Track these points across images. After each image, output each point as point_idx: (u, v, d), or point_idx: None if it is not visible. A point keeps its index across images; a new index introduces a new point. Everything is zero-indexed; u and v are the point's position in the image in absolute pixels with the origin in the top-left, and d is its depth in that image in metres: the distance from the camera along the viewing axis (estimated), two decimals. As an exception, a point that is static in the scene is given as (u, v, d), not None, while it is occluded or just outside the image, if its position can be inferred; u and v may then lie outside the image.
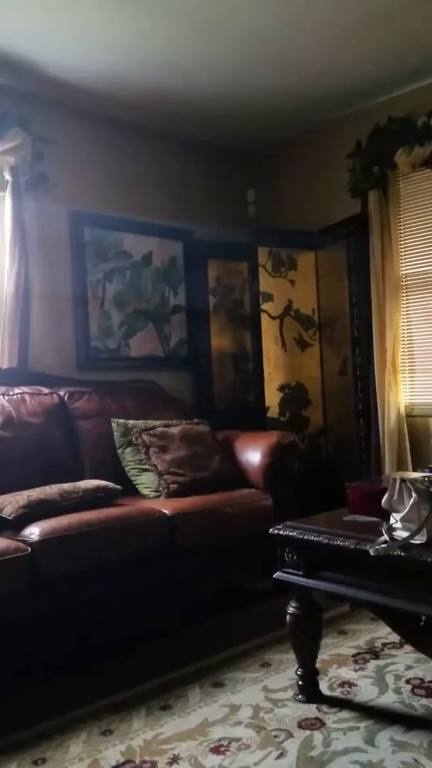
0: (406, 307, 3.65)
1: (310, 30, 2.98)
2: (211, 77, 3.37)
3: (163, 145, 4.00)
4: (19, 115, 3.25)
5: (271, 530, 2.11)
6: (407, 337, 3.65)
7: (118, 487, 2.71)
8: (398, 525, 1.81)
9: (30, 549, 2.23)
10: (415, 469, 3.50)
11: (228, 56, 3.17)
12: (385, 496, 1.87)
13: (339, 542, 1.89)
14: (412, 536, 1.76)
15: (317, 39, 3.05)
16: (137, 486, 2.98)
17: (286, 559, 2.08)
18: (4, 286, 3.24)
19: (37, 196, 3.40)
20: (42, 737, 1.94)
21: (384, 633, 2.52)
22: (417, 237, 3.61)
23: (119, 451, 3.08)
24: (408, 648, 2.36)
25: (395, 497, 1.84)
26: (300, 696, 2.09)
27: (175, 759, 1.81)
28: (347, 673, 2.26)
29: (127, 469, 3.04)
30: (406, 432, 3.56)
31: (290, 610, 2.09)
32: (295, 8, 2.80)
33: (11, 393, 3.03)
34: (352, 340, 3.74)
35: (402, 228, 3.64)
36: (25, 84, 3.32)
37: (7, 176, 3.24)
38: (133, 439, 3.06)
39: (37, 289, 3.38)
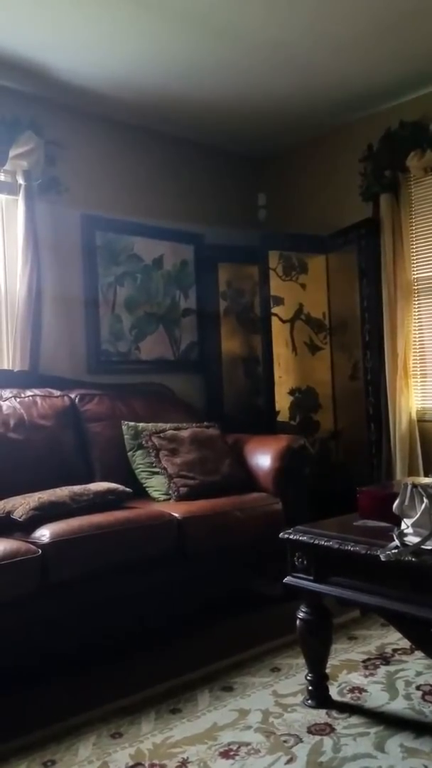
0: (418, 311, 3.64)
1: (322, 35, 2.98)
2: (222, 82, 3.38)
3: (174, 150, 4.02)
4: (31, 119, 3.28)
5: (281, 534, 2.11)
6: (419, 341, 3.64)
7: (128, 489, 2.72)
8: (409, 530, 1.80)
9: (40, 551, 2.24)
10: (426, 475, 3.49)
11: (240, 62, 3.18)
12: (397, 502, 1.86)
13: (350, 547, 1.88)
14: (423, 542, 1.75)
15: (329, 44, 3.06)
16: (147, 489, 2.99)
17: (296, 563, 2.07)
18: (17, 289, 3.26)
19: (50, 199, 3.42)
20: (51, 739, 1.94)
21: (394, 639, 2.50)
22: (429, 241, 3.60)
23: (129, 453, 3.09)
24: (419, 654, 2.34)
25: (406, 502, 1.84)
26: (310, 701, 2.08)
27: (184, 763, 1.80)
28: (357, 678, 2.25)
29: (137, 471, 3.05)
30: (418, 437, 3.55)
31: (300, 615, 2.09)
32: (307, 15, 2.81)
33: (23, 395, 3.05)
34: (363, 344, 3.73)
35: (414, 232, 3.63)
36: (38, 89, 3.35)
37: (20, 180, 3.27)
38: (143, 442, 3.06)
39: (49, 292, 3.40)
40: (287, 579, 2.11)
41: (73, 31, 2.88)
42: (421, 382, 3.64)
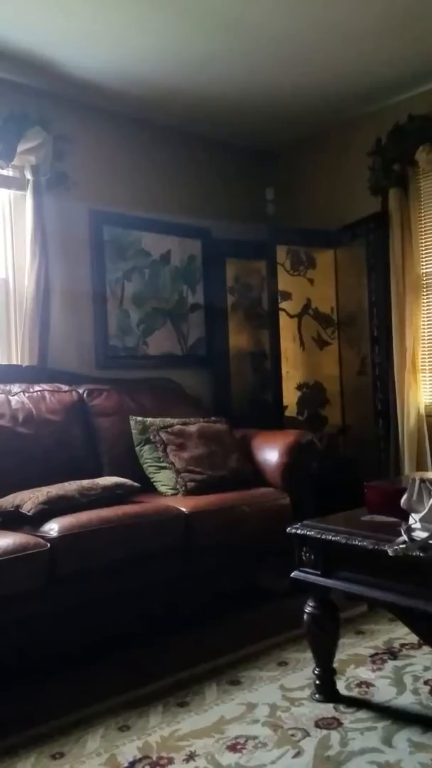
0: (427, 305, 3.62)
1: (331, 29, 2.97)
2: (231, 76, 3.37)
3: (182, 144, 4.01)
4: (39, 114, 3.28)
5: (288, 529, 2.11)
6: (427, 336, 3.62)
7: (136, 484, 2.73)
8: (417, 525, 1.80)
9: (49, 545, 2.25)
10: (434, 469, 3.48)
11: (248, 55, 3.17)
12: (404, 497, 1.86)
13: (357, 542, 1.88)
14: (431, 537, 1.75)
15: (338, 38, 3.04)
16: (155, 483, 3.00)
17: (304, 558, 2.08)
18: (25, 284, 3.27)
19: (58, 194, 3.42)
20: (59, 732, 1.96)
21: (402, 633, 2.50)
22: (438, 235, 3.58)
23: (137, 448, 3.10)
24: (426, 649, 2.34)
25: (414, 497, 1.84)
26: (317, 695, 2.08)
27: (191, 756, 1.81)
28: (365, 673, 2.25)
29: (144, 466, 3.05)
30: (426, 432, 3.53)
31: (308, 609, 2.09)
32: (316, 8, 2.79)
33: (31, 390, 3.06)
34: (371, 339, 3.72)
35: (422, 226, 3.61)
36: (46, 83, 3.34)
37: (28, 175, 3.27)
38: (151, 437, 3.07)
39: (57, 287, 3.40)
40: (294, 573, 2.11)
41: (81, 26, 2.87)
42: (430, 377, 3.62)
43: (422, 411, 3.56)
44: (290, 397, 3.84)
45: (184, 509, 2.66)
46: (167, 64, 3.22)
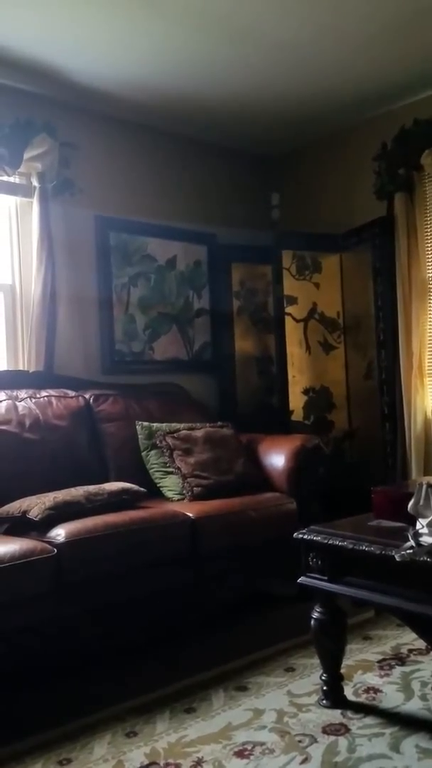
0: (433, 309, 3.61)
1: (337, 36, 2.98)
2: (236, 82, 3.38)
3: (187, 150, 4.03)
4: (45, 121, 3.30)
5: (295, 534, 2.10)
6: (433, 340, 3.61)
7: (142, 489, 2.73)
8: (424, 530, 1.80)
9: (55, 550, 2.26)
10: (441, 474, 3.47)
11: (255, 62, 3.18)
12: (411, 501, 1.86)
13: (364, 547, 1.88)
14: (438, 542, 1.74)
15: (343, 43, 3.05)
16: (161, 489, 3.00)
17: (311, 563, 2.07)
18: (31, 290, 3.28)
19: (64, 201, 3.44)
20: (66, 738, 1.96)
21: (410, 639, 2.49)
22: (443, 239, 3.57)
23: (143, 453, 3.10)
24: (434, 655, 2.34)
25: (421, 502, 1.83)
26: (324, 701, 2.07)
27: (199, 762, 1.81)
28: (372, 679, 2.24)
29: (151, 471, 3.06)
30: (433, 436, 3.53)
31: (315, 615, 2.08)
32: (323, 16, 2.81)
33: (38, 396, 3.07)
34: (377, 343, 3.72)
35: (428, 230, 3.61)
36: (52, 91, 3.36)
37: (35, 182, 3.29)
38: (157, 442, 3.07)
39: (63, 293, 3.42)
40: (301, 579, 2.11)
41: (86, 34, 2.89)
42: (436, 381, 3.61)
43: (429, 415, 3.55)
44: (296, 401, 3.84)
45: (190, 514, 2.66)
46: (172, 71, 3.23)
